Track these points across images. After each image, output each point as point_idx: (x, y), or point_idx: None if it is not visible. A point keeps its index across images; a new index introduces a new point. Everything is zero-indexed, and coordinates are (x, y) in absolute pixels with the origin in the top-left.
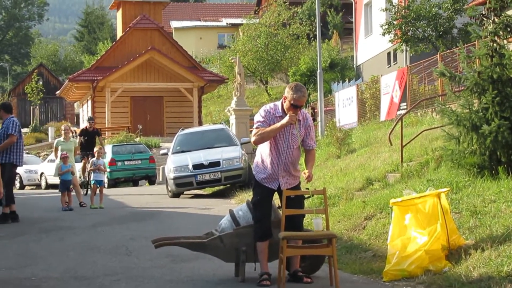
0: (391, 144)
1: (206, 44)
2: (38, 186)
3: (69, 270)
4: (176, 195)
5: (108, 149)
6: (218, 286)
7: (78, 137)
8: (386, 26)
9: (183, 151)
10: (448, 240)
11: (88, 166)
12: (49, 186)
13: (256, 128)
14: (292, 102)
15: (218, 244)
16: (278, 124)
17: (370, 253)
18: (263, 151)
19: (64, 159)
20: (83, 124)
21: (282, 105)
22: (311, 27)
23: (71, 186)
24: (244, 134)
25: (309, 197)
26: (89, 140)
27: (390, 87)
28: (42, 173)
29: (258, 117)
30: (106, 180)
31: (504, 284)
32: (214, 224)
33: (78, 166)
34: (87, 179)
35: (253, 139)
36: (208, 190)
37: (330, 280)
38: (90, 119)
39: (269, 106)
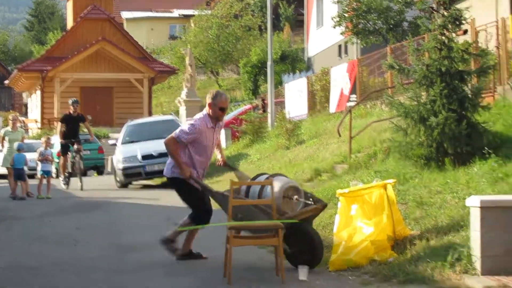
0: (340, 136)
1: (158, 35)
2: None
3: (15, 260)
4: (124, 185)
5: (56, 139)
6: (166, 276)
7: (59, 123)
8: (338, 19)
9: (132, 142)
10: (394, 230)
11: (37, 156)
12: None
13: (177, 137)
14: (221, 105)
15: (221, 199)
16: (183, 169)
17: None
18: (194, 153)
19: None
20: (32, 114)
21: (209, 115)
22: (263, 19)
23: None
24: None
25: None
26: (72, 127)
27: (340, 79)
28: None
29: (186, 129)
30: (54, 171)
31: (448, 273)
32: (163, 214)
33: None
34: (67, 175)
35: (168, 144)
36: (157, 181)
37: (276, 270)
38: (75, 102)
39: (199, 119)
